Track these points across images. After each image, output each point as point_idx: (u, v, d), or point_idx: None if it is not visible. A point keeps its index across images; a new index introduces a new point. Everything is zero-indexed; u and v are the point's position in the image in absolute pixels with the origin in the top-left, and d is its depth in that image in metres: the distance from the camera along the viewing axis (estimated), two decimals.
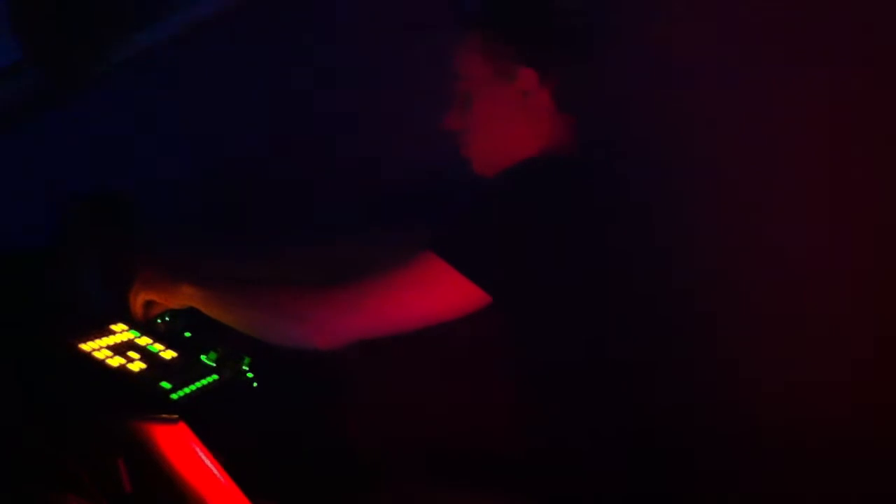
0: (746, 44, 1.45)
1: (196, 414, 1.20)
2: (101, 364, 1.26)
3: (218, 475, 1.17)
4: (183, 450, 1.17)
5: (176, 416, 1.17)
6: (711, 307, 1.39)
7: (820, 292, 1.41)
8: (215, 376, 1.33)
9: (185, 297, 1.34)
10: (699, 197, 1.42)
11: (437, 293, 1.21)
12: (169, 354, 1.34)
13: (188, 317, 1.43)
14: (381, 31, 1.79)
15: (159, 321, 1.42)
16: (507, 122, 1.34)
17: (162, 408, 1.19)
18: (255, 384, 1.40)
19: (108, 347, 1.30)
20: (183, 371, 1.30)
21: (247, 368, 1.39)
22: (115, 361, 1.27)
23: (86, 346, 1.29)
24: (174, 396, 1.23)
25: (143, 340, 1.36)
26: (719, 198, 1.45)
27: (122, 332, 1.36)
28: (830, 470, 1.38)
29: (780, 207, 1.44)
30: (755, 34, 1.44)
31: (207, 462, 1.17)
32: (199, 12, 1.84)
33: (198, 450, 1.18)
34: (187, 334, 1.43)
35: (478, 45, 1.34)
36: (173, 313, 1.43)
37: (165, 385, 1.24)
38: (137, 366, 1.27)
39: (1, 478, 1.19)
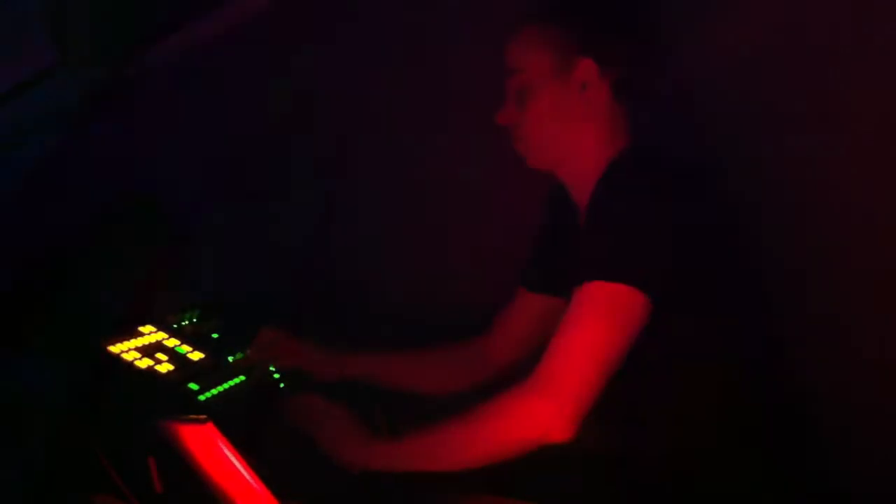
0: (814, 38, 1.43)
1: (224, 415, 1.20)
2: (129, 366, 1.27)
3: (246, 475, 1.17)
4: (211, 450, 1.18)
5: (204, 416, 1.18)
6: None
7: None
8: (243, 377, 1.34)
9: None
10: (763, 191, 1.43)
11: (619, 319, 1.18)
12: (197, 356, 1.34)
13: (216, 318, 1.44)
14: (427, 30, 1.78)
15: (186, 322, 1.43)
16: (564, 115, 1.33)
17: (190, 409, 1.20)
18: (281, 385, 1.40)
19: (137, 349, 1.31)
20: (210, 372, 1.31)
21: (274, 370, 1.40)
22: (144, 363, 1.27)
23: (115, 348, 1.30)
24: (202, 398, 1.23)
25: (172, 342, 1.37)
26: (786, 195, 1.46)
27: (150, 334, 1.37)
28: None
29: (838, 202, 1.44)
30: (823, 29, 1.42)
31: (236, 462, 1.18)
32: (236, 13, 1.84)
33: (226, 450, 1.18)
34: (215, 336, 1.44)
35: (535, 37, 1.33)
36: (201, 315, 1.44)
37: (193, 386, 1.24)
38: (165, 367, 1.28)
39: (33, 477, 1.20)
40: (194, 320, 1.44)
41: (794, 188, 1.47)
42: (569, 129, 1.33)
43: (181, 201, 1.79)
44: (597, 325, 1.18)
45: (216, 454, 1.17)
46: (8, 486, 1.22)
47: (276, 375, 1.40)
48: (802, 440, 1.32)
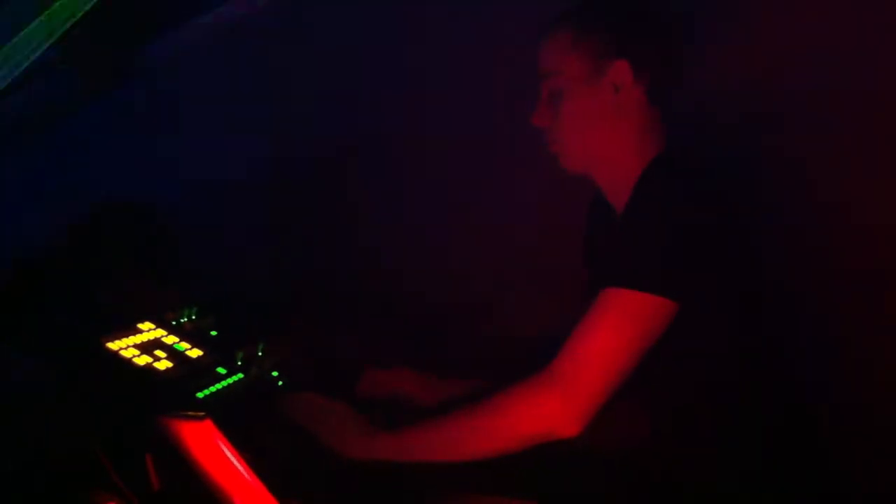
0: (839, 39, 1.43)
1: (222, 412, 1.20)
2: (127, 363, 1.27)
3: (244, 473, 1.17)
4: (209, 447, 1.18)
5: (203, 413, 1.18)
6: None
7: None
8: (241, 375, 1.33)
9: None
10: (787, 193, 1.43)
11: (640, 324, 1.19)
12: (195, 353, 1.34)
13: (214, 315, 1.44)
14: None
15: (185, 320, 1.43)
16: (597, 117, 1.34)
17: (188, 406, 1.20)
18: (280, 383, 1.40)
19: (135, 346, 1.31)
20: (209, 370, 1.31)
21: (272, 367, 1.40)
22: (142, 360, 1.27)
23: (113, 345, 1.30)
24: (200, 395, 1.23)
25: (170, 339, 1.36)
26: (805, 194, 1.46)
27: (149, 331, 1.37)
28: None
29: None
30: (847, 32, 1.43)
31: (234, 460, 1.17)
32: (233, 12, 1.84)
33: (224, 448, 1.18)
34: (213, 333, 1.44)
35: (568, 40, 1.34)
36: (199, 312, 1.43)
37: (191, 383, 1.24)
38: (164, 364, 1.28)
39: (30, 475, 1.20)
40: (193, 318, 1.44)
41: (794, 189, 1.47)
42: (602, 132, 1.34)
43: (180, 199, 1.79)
44: (620, 330, 1.18)
45: (214, 451, 1.17)
46: (5, 484, 1.22)
47: (275, 373, 1.40)
48: (803, 439, 1.32)
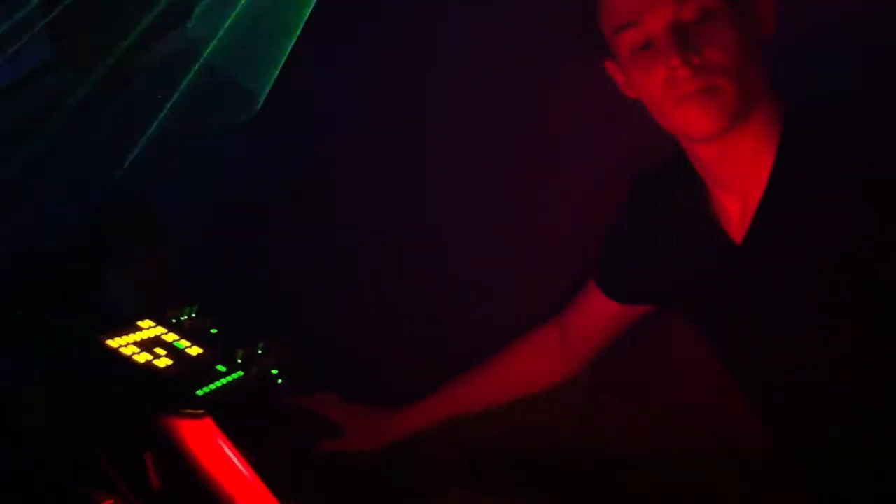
0: None
1: (222, 410, 1.20)
2: (127, 360, 1.27)
3: (244, 471, 1.17)
4: (209, 445, 1.18)
5: (202, 411, 1.18)
6: None
7: None
8: (241, 373, 1.33)
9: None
10: None
11: None
12: (195, 351, 1.34)
13: (215, 313, 1.44)
14: None
15: (185, 318, 1.43)
16: (753, 46, 1.10)
17: (187, 404, 1.20)
18: (280, 381, 1.40)
19: (135, 343, 1.31)
20: (208, 367, 1.30)
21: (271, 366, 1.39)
22: (142, 357, 1.27)
23: (112, 343, 1.30)
24: (199, 393, 1.23)
25: (170, 337, 1.36)
26: None
27: (148, 329, 1.37)
28: None
29: None
30: None
31: (233, 458, 1.17)
32: (230, 14, 1.84)
33: (223, 445, 1.18)
34: (213, 331, 1.43)
35: None
36: (200, 310, 1.43)
37: (191, 381, 1.24)
38: (163, 362, 1.28)
39: (30, 474, 1.20)
40: (193, 315, 1.44)
41: None
42: (758, 63, 1.11)
43: (180, 198, 1.79)
44: None
45: (214, 449, 1.17)
46: (5, 483, 1.22)
47: (275, 371, 1.40)
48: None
